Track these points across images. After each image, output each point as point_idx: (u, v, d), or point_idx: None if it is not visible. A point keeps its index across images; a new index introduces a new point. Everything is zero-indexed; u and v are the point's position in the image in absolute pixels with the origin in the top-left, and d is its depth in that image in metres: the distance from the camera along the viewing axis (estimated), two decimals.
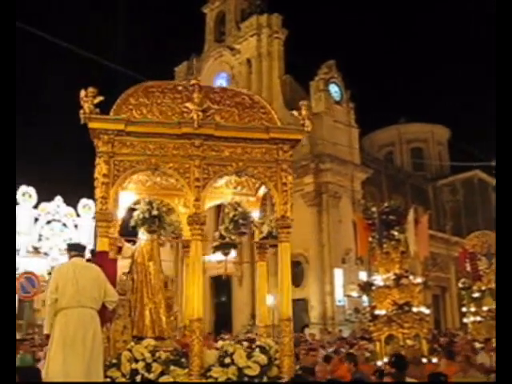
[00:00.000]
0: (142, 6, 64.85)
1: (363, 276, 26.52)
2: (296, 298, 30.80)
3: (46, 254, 24.38)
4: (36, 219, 25.96)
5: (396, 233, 10.87)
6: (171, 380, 5.53)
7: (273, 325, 32.29)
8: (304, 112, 6.26)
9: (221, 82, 38.09)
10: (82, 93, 5.94)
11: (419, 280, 10.93)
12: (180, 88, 6.43)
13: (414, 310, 10.33)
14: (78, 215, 27.48)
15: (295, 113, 6.37)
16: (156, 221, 6.57)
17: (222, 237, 7.34)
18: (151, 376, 5.51)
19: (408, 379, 6.01)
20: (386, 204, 11.35)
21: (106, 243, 5.96)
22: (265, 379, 5.69)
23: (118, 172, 6.04)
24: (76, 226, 27.26)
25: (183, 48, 43.11)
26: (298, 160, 31.81)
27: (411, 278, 10.70)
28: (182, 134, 6.10)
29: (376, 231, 10.95)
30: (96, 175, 6.07)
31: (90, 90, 5.96)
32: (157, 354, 5.71)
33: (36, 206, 26.02)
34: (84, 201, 27.89)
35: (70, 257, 5.89)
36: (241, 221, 6.89)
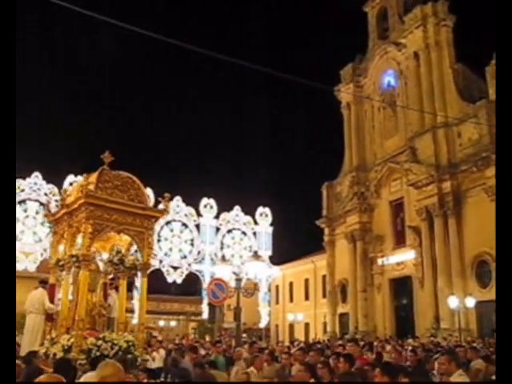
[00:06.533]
0: (300, 11, 66.08)
1: None
2: (483, 300, 29.00)
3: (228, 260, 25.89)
4: (217, 228, 27.72)
5: None
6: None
7: (459, 328, 30.40)
8: (164, 201, 10.11)
9: (388, 79, 37.28)
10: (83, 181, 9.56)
11: None
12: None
13: None
14: (255, 223, 28.74)
15: (161, 200, 10.30)
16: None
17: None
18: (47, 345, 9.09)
19: None
20: None
21: (55, 279, 10.28)
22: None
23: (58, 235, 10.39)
24: (254, 234, 28.55)
25: (347, 50, 43.01)
26: (478, 152, 29.86)
27: None
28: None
29: None
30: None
31: (85, 176, 9.58)
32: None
33: (217, 216, 27.79)
34: (261, 209, 29.14)
35: (37, 287, 10.69)
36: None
